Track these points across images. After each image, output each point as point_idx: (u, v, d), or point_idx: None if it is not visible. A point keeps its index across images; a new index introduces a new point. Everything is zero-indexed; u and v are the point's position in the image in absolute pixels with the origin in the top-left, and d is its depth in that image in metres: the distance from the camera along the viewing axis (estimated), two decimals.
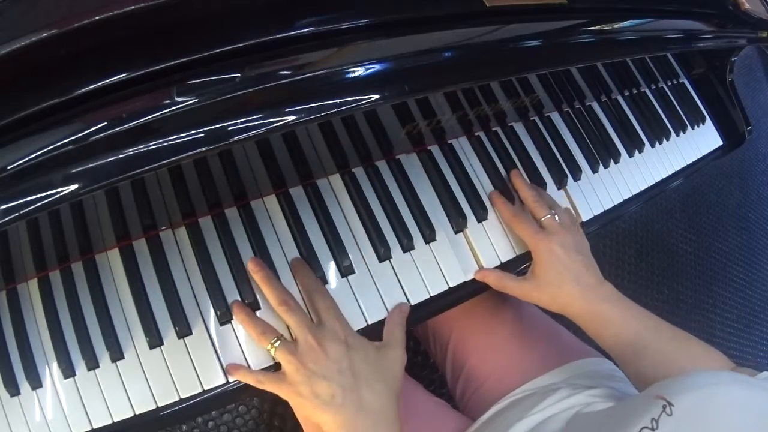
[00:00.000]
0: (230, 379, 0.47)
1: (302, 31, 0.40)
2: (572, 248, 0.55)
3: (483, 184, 0.61)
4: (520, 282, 0.56)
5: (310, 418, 0.47)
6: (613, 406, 0.51)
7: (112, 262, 0.49)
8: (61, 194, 0.34)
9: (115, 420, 0.45)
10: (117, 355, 0.46)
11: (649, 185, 0.73)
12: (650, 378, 0.49)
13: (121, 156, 0.34)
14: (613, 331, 0.52)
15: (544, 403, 0.56)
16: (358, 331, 0.50)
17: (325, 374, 0.45)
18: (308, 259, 0.51)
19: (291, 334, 0.48)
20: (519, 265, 0.60)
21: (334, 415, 0.45)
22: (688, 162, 0.80)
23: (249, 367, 0.48)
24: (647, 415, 0.38)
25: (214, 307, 0.48)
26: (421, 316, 0.54)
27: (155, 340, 0.47)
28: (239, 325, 0.49)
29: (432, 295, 0.54)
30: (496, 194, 0.60)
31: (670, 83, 0.85)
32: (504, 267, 0.58)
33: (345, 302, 0.51)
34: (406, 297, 0.53)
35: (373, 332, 0.51)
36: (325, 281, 0.51)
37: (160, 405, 0.46)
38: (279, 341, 0.46)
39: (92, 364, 0.46)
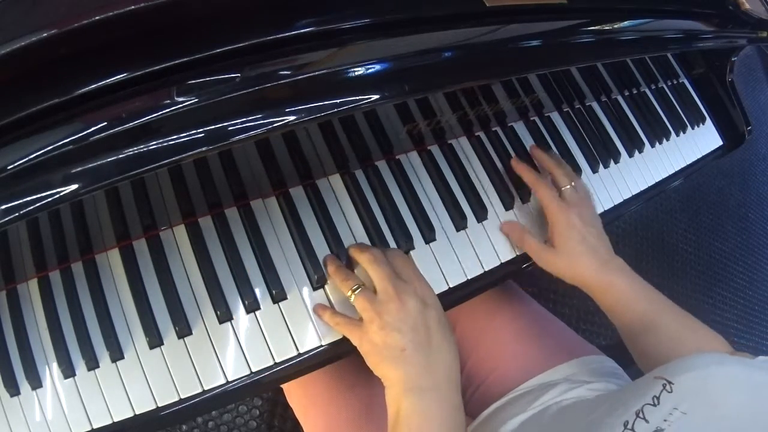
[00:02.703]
0: (230, 379, 0.47)
1: (302, 31, 0.40)
2: (588, 221, 0.56)
3: (483, 184, 0.61)
4: (541, 247, 0.57)
5: (376, 371, 0.46)
6: (613, 390, 0.51)
7: (112, 262, 0.49)
8: (61, 194, 0.34)
9: (115, 420, 0.45)
10: (117, 355, 0.46)
11: (649, 185, 0.73)
12: (653, 356, 0.50)
13: (121, 156, 0.34)
14: (623, 304, 0.53)
15: (543, 398, 0.56)
16: None
17: (399, 327, 0.45)
18: (308, 259, 0.51)
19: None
20: (519, 265, 0.60)
21: (401, 371, 0.44)
22: (688, 162, 0.80)
23: (249, 365, 0.48)
24: (649, 393, 0.38)
25: (214, 307, 0.48)
26: None
27: (155, 340, 0.47)
28: (239, 325, 0.49)
29: None
30: (516, 160, 0.61)
31: (670, 83, 0.85)
32: (504, 267, 0.58)
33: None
34: None
35: None
36: (325, 281, 0.51)
37: (160, 405, 0.46)
38: (359, 288, 0.47)
39: (92, 364, 0.46)
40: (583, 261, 0.54)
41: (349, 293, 0.48)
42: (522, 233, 0.58)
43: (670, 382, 0.38)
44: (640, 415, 0.37)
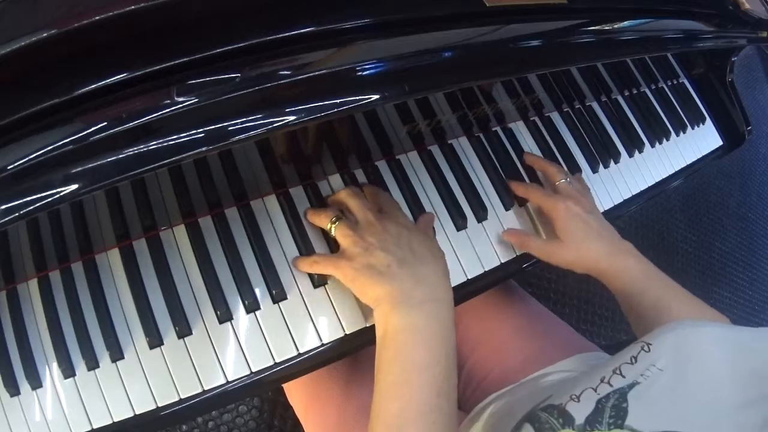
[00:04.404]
0: (230, 379, 0.47)
1: (302, 31, 0.40)
2: (589, 208, 0.57)
3: (483, 184, 0.61)
4: (545, 243, 0.57)
5: (365, 297, 0.46)
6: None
7: (112, 262, 0.49)
8: (61, 194, 0.34)
9: (115, 420, 0.45)
10: (117, 355, 0.46)
11: (649, 185, 0.73)
12: None
13: (121, 156, 0.34)
14: (637, 289, 0.53)
15: (539, 383, 0.56)
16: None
17: (382, 246, 0.45)
18: None
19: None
20: (519, 265, 0.60)
21: (389, 286, 0.44)
22: (688, 162, 0.80)
23: (249, 365, 0.48)
24: (627, 354, 0.39)
25: (214, 307, 0.48)
26: None
27: (155, 340, 0.47)
28: (239, 325, 0.49)
29: None
30: (512, 182, 0.61)
31: (670, 83, 0.85)
32: (504, 267, 0.58)
33: (347, 299, 0.51)
34: None
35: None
36: (325, 281, 0.51)
37: (160, 405, 0.46)
38: (338, 219, 0.47)
39: (92, 364, 0.46)
40: (592, 246, 0.54)
41: (329, 225, 0.47)
42: (523, 237, 0.58)
43: (649, 344, 0.39)
44: (617, 371, 0.38)
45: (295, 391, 0.66)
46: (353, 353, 0.52)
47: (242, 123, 0.37)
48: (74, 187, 0.34)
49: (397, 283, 0.44)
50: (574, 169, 0.67)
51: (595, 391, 0.38)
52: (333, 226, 0.47)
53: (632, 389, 0.36)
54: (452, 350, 0.44)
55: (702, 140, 0.84)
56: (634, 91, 0.80)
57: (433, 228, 0.55)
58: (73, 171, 0.34)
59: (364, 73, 0.40)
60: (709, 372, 0.35)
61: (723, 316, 0.52)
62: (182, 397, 0.46)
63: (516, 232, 0.59)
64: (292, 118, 0.38)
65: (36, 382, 0.45)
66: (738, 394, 0.33)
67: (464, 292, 0.56)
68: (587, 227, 0.55)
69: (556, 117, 0.70)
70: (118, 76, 0.35)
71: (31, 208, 0.33)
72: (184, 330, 0.47)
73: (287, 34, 0.39)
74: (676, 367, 0.36)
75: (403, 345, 0.42)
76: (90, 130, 0.34)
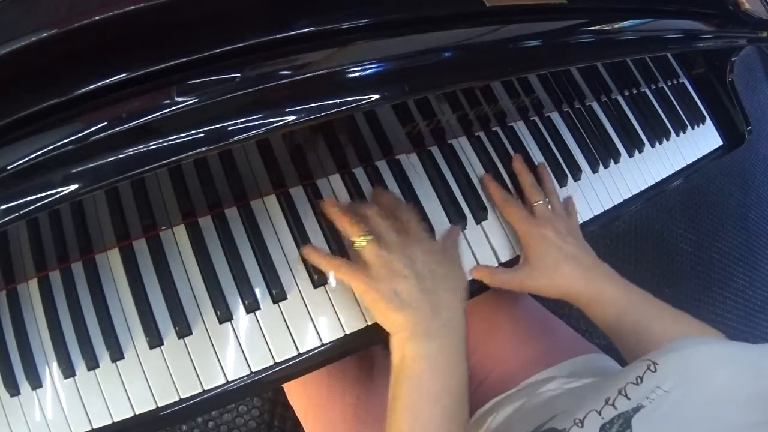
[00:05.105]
0: (230, 379, 0.47)
1: (302, 30, 0.40)
2: (564, 233, 0.55)
3: (483, 184, 0.61)
4: (514, 273, 0.55)
5: (383, 320, 0.47)
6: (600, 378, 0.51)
7: (112, 262, 0.49)
8: (61, 194, 0.34)
9: (115, 420, 0.45)
10: (117, 355, 0.46)
11: (649, 185, 0.73)
12: None
13: (121, 156, 0.34)
14: (615, 313, 0.52)
15: (538, 392, 0.56)
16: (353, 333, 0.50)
17: (407, 274, 0.46)
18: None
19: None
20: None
21: (410, 316, 0.45)
22: (688, 162, 0.80)
23: (249, 365, 0.48)
24: (633, 374, 0.39)
25: (214, 307, 0.48)
26: None
27: (155, 340, 0.47)
28: (239, 325, 0.49)
29: None
30: (488, 177, 0.60)
31: (670, 83, 0.85)
32: (504, 267, 0.58)
33: (347, 299, 0.51)
34: None
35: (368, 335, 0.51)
36: (325, 281, 0.51)
37: (160, 405, 0.46)
38: (370, 236, 0.47)
39: (92, 364, 0.46)
40: (564, 272, 0.53)
41: (360, 239, 0.47)
42: (492, 272, 0.55)
43: (655, 363, 0.38)
44: (622, 392, 0.38)
45: (295, 392, 0.66)
46: (353, 353, 0.52)
47: (242, 123, 0.37)
48: (74, 187, 0.34)
49: (418, 314, 0.45)
50: (575, 169, 0.67)
51: (600, 414, 0.37)
52: (364, 240, 0.47)
53: (637, 413, 0.35)
54: (465, 376, 0.46)
55: (702, 140, 0.84)
56: (634, 91, 0.80)
57: (457, 243, 0.55)
58: (73, 171, 0.34)
59: (364, 73, 0.40)
60: (716, 393, 0.34)
61: (712, 329, 0.51)
62: (182, 397, 0.46)
63: (483, 268, 0.56)
64: (292, 118, 0.38)
65: (36, 382, 0.45)
66: (745, 416, 0.32)
67: None
68: (560, 251, 0.53)
69: (556, 117, 0.70)
70: (118, 76, 0.35)
71: (31, 208, 0.33)
72: (184, 330, 0.47)
73: (287, 34, 0.39)
74: (682, 388, 0.35)
75: (420, 372, 0.44)
76: (90, 130, 0.34)
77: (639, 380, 0.38)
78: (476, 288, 0.57)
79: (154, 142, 0.35)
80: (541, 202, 0.57)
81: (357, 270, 0.47)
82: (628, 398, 0.37)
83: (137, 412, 0.46)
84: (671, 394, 0.35)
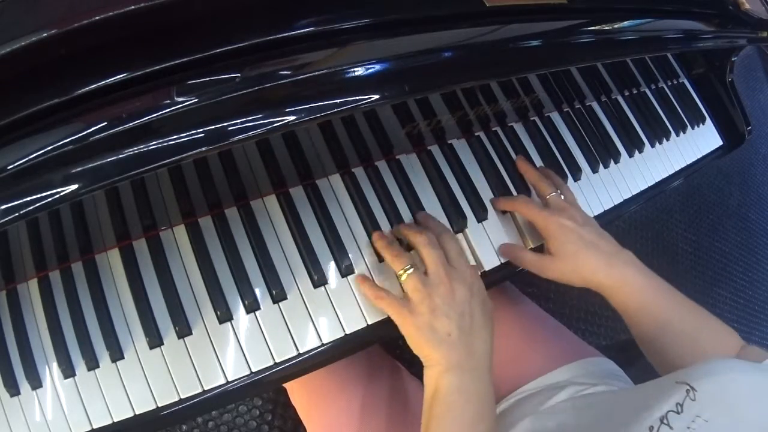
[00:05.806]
0: (230, 379, 0.47)
1: (302, 31, 0.40)
2: (581, 221, 0.55)
3: (483, 184, 0.61)
4: (539, 257, 0.56)
5: (419, 352, 0.47)
6: (629, 387, 0.51)
7: (112, 262, 0.49)
8: (61, 194, 0.34)
9: (115, 420, 0.45)
10: (117, 355, 0.46)
11: (649, 185, 0.73)
12: (671, 355, 0.50)
13: (121, 156, 0.34)
14: (638, 301, 0.52)
15: (552, 400, 0.56)
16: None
17: (447, 312, 0.46)
18: (308, 258, 0.51)
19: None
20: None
21: (446, 352, 0.46)
22: (688, 162, 0.80)
23: (249, 365, 0.48)
24: (672, 399, 0.39)
25: (214, 307, 0.48)
26: None
27: (155, 340, 0.47)
28: (239, 325, 0.49)
29: None
30: (494, 199, 0.61)
31: (670, 83, 0.85)
32: (504, 267, 0.58)
33: (347, 299, 0.51)
34: None
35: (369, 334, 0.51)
36: (325, 281, 0.51)
37: (160, 405, 0.46)
38: (412, 269, 0.47)
39: (92, 364, 0.46)
40: (587, 259, 0.53)
41: (401, 272, 0.48)
42: (517, 251, 0.57)
43: (693, 389, 0.39)
44: (665, 421, 0.38)
45: (297, 392, 0.66)
46: (354, 353, 0.52)
47: (242, 123, 0.37)
48: (74, 187, 0.34)
49: (454, 352, 0.46)
50: (575, 169, 0.67)
51: None
52: (405, 274, 0.48)
53: None
54: (493, 406, 0.48)
55: (702, 140, 0.84)
56: (634, 91, 0.80)
57: None
58: (73, 171, 0.34)
59: (364, 73, 0.40)
60: (755, 423, 0.35)
61: (726, 326, 0.51)
62: (182, 397, 0.46)
63: (510, 246, 0.58)
64: (292, 118, 0.38)
65: (36, 382, 0.45)
66: None
67: None
68: (580, 240, 0.54)
69: (556, 117, 0.70)
70: (118, 76, 0.35)
71: (31, 208, 0.33)
72: (184, 330, 0.47)
73: (287, 34, 0.39)
74: (722, 420, 0.36)
75: (454, 404, 0.45)
76: (90, 130, 0.34)
77: (679, 408, 0.38)
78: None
79: (154, 142, 0.35)
80: (553, 194, 0.58)
81: (399, 305, 0.48)
82: (671, 428, 0.38)
83: (137, 412, 0.46)
84: (710, 423, 0.36)
